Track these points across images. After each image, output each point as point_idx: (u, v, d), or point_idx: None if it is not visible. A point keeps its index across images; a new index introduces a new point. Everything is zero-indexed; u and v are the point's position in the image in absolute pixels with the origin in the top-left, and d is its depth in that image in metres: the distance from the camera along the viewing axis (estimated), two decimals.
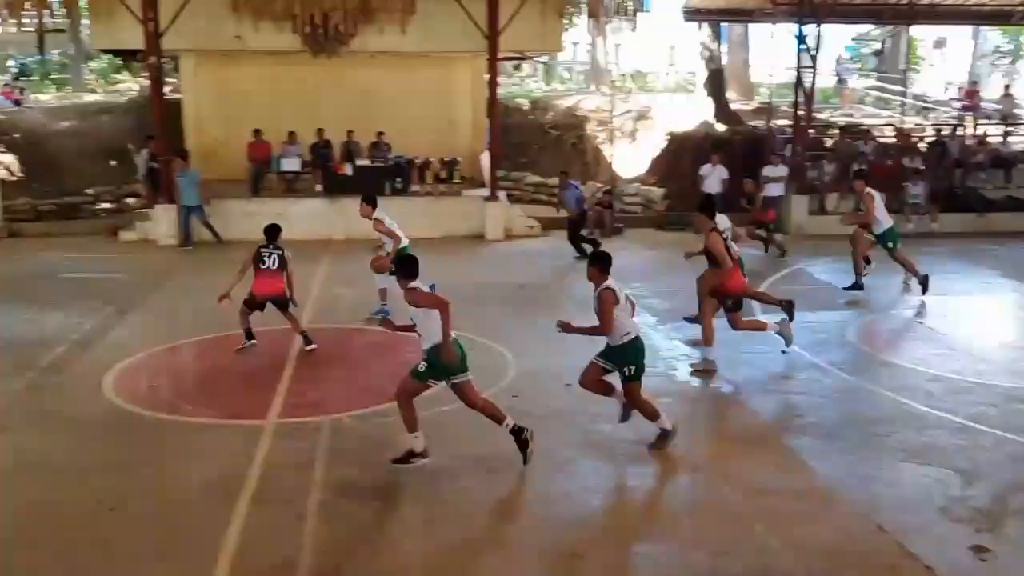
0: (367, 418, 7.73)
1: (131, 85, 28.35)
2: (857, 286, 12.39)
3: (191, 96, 20.37)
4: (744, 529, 5.82)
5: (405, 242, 10.57)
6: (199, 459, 6.88)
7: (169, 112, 17.81)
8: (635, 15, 19.89)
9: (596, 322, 6.98)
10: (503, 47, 17.69)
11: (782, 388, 8.94)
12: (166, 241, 16.39)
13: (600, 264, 7.03)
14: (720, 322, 9.34)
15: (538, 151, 22.66)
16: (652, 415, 7.10)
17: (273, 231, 9.80)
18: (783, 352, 9.74)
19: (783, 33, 20.36)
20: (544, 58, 31.90)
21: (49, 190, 19.49)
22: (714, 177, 16.92)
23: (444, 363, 6.53)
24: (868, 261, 12.62)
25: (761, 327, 9.72)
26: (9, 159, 18.33)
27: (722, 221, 9.47)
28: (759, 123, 22.46)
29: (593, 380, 7.21)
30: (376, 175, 17.73)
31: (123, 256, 15.34)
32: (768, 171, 17.10)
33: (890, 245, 12.42)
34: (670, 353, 9.80)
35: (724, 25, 25.38)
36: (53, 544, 5.62)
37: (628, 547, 5.78)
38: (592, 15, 20.37)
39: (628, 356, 6.96)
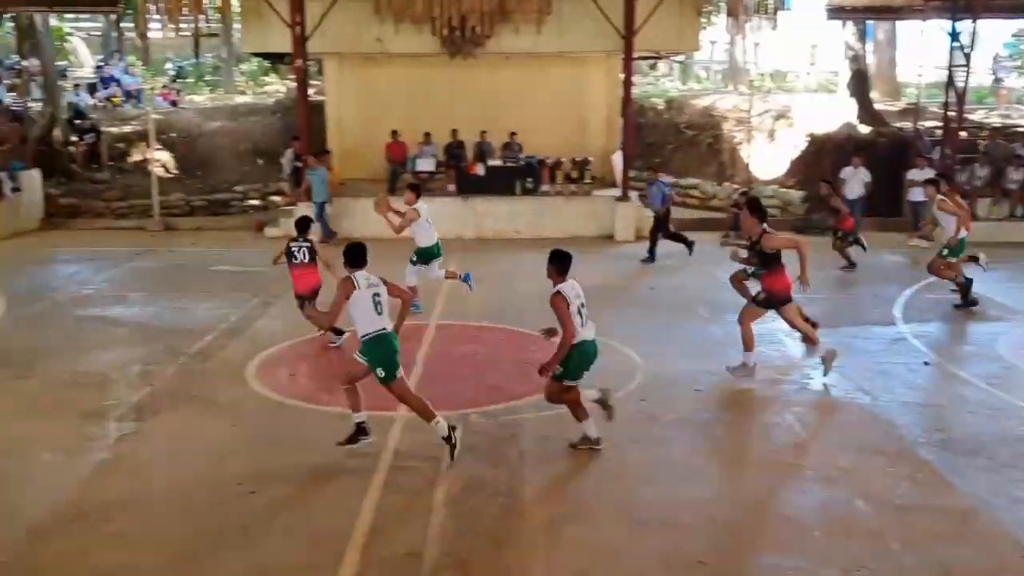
0: (494, 415, 7.82)
1: (278, 87, 29.61)
2: (971, 302, 11.57)
3: (334, 98, 21.09)
4: (879, 546, 5.60)
5: (426, 243, 11.08)
6: (333, 447, 7.11)
7: (313, 113, 18.48)
8: (775, 13, 19.35)
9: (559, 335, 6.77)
10: (639, 47, 17.56)
11: (923, 400, 8.54)
12: (311, 237, 16.99)
13: (558, 263, 6.83)
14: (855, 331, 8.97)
15: (672, 151, 22.39)
16: (584, 416, 6.93)
17: (304, 224, 9.99)
18: (925, 364, 9.31)
19: (934, 30, 19.46)
20: (680, 57, 31.47)
21: (201, 187, 20.62)
22: (855, 180, 16.30)
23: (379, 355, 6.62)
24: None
25: (812, 337, 8.88)
26: (166, 157, 19.45)
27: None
28: (905, 125, 21.51)
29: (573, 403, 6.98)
30: (507, 175, 17.92)
31: (268, 251, 16.00)
32: (913, 174, 16.34)
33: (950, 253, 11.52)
34: (805, 362, 9.49)
35: (870, 23, 24.43)
36: (198, 522, 5.94)
37: (755, 558, 5.65)
38: (731, 13, 19.93)
39: (578, 358, 6.79)
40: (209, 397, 8.32)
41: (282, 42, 17.26)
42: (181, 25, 32.61)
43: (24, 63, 25.07)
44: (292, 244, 9.92)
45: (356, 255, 6.88)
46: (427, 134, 18.99)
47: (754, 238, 8.54)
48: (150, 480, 6.61)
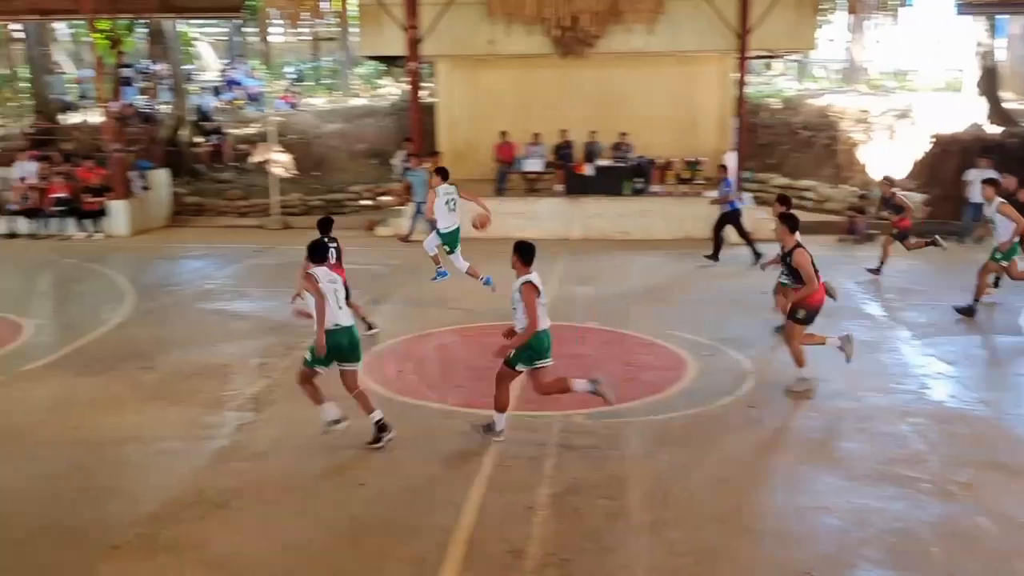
0: (599, 417, 7.79)
1: (392, 89, 30.20)
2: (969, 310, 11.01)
3: (445, 99, 21.40)
4: (1001, 565, 5.34)
5: (451, 225, 11.51)
6: (439, 442, 7.22)
7: (424, 114, 18.80)
8: (897, 10, 18.66)
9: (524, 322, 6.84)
10: (753, 45, 17.21)
11: None
12: (417, 236, 17.32)
13: (523, 255, 6.90)
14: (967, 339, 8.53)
15: (787, 152, 21.82)
16: (503, 406, 7.07)
17: (326, 224, 10.12)
18: None
19: None
20: (797, 56, 30.66)
21: (317, 187, 21.22)
22: (980, 182, 15.54)
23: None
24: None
25: (819, 341, 8.50)
26: (285, 158, 20.08)
27: None
28: None
29: (542, 384, 7.13)
30: (616, 175, 17.83)
31: (379, 249, 16.39)
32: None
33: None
34: (923, 370, 9.13)
35: (1002, 17, 23.25)
36: (309, 511, 6.13)
37: (866, 572, 5.46)
38: (851, 11, 19.32)
39: (535, 344, 6.90)
40: (321, 391, 8.54)
41: (397, 45, 17.63)
42: (301, 30, 33.71)
43: (154, 67, 26.30)
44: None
45: (317, 251, 7.34)
46: (536, 134, 19.07)
47: (786, 249, 8.25)
48: (264, 469, 6.85)
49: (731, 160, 17.82)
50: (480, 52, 19.02)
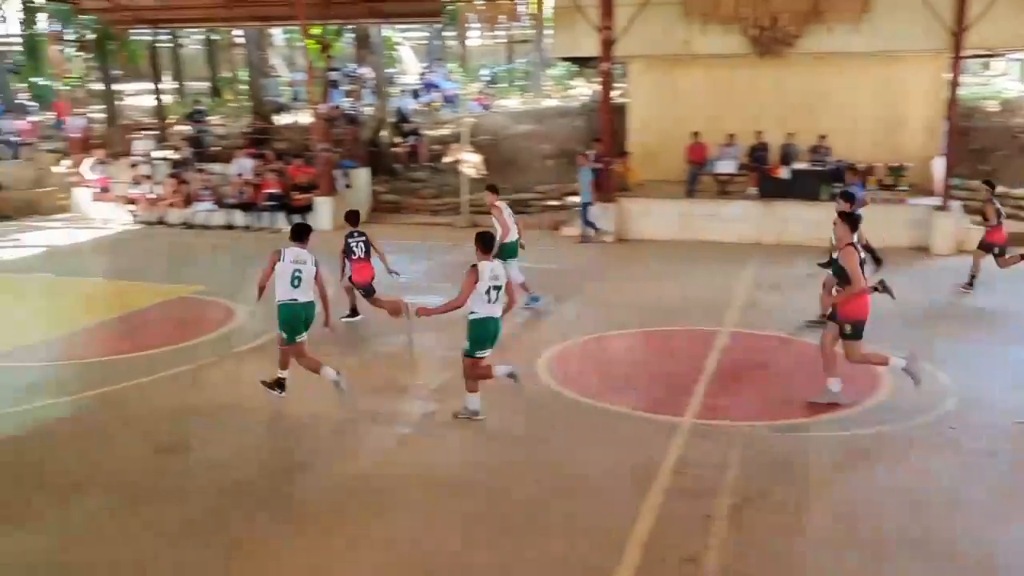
0: (784, 430, 7.54)
1: (583, 90, 30.35)
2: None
3: (637, 100, 21.28)
4: None
5: (513, 237, 11.54)
6: (617, 445, 7.21)
7: (615, 115, 18.78)
8: None
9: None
10: (970, 44, 16.04)
11: None
12: (606, 238, 17.33)
13: (483, 244, 7.70)
14: None
15: (1003, 158, 20.24)
16: (474, 388, 7.67)
17: (353, 217, 10.34)
18: None
19: None
20: (1020, 55, 28.35)
21: (506, 186, 21.62)
22: None
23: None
24: None
25: (882, 361, 7.97)
26: (476, 158, 20.61)
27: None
28: None
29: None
30: (814, 179, 17.13)
31: (563, 249, 16.53)
32: None
33: None
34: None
35: None
36: (486, 503, 6.27)
37: None
38: None
39: (469, 332, 7.55)
40: (503, 385, 8.73)
41: (590, 46, 17.69)
42: (497, 33, 34.51)
43: (360, 71, 27.68)
44: (350, 239, 10.65)
45: (298, 232, 8.40)
46: (730, 135, 18.63)
47: (840, 247, 7.88)
48: (443, 457, 7.09)
49: (939, 166, 16.74)
50: (674, 52, 18.78)
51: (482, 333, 7.56)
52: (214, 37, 36.17)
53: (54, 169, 23.72)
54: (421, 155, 23.63)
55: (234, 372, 9.25)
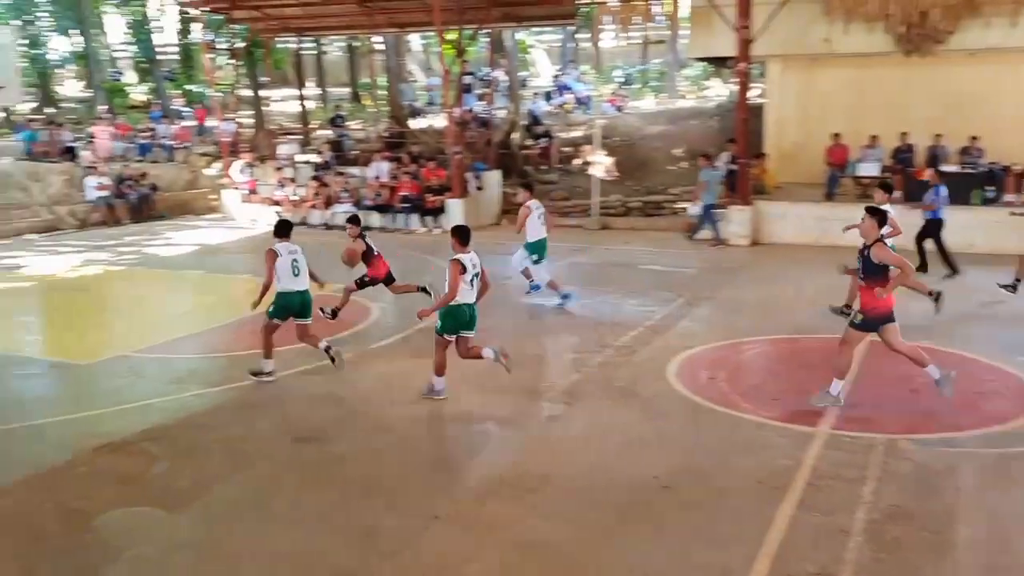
0: (928, 444, 7.18)
1: (718, 91, 29.82)
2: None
3: (775, 100, 20.74)
4: None
5: (539, 236, 12.19)
6: (748, 454, 7.03)
7: (751, 116, 18.36)
8: None
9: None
10: None
11: None
12: (737, 240, 16.97)
13: (460, 236, 8.34)
14: None
15: None
16: (439, 370, 8.29)
17: (355, 219, 11.15)
18: None
19: None
20: None
21: (638, 188, 21.48)
22: None
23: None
24: None
25: (921, 362, 7.82)
26: (608, 160, 20.56)
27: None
28: None
29: (463, 350, 8.33)
30: (964, 182, 16.26)
31: (696, 253, 16.27)
32: None
33: None
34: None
35: None
36: (613, 507, 6.22)
37: None
38: None
39: (442, 315, 8.18)
40: (631, 390, 8.66)
41: (727, 46, 17.37)
42: (631, 34, 34.26)
43: (493, 74, 28.03)
44: (368, 240, 11.20)
45: (281, 228, 9.30)
46: (873, 137, 17.92)
47: (868, 243, 7.72)
48: (572, 460, 7.06)
49: None
50: (815, 51, 18.23)
51: (457, 317, 8.19)
52: (355, 44, 37.38)
53: (205, 172, 25.05)
54: (552, 157, 23.73)
55: (368, 368, 9.52)
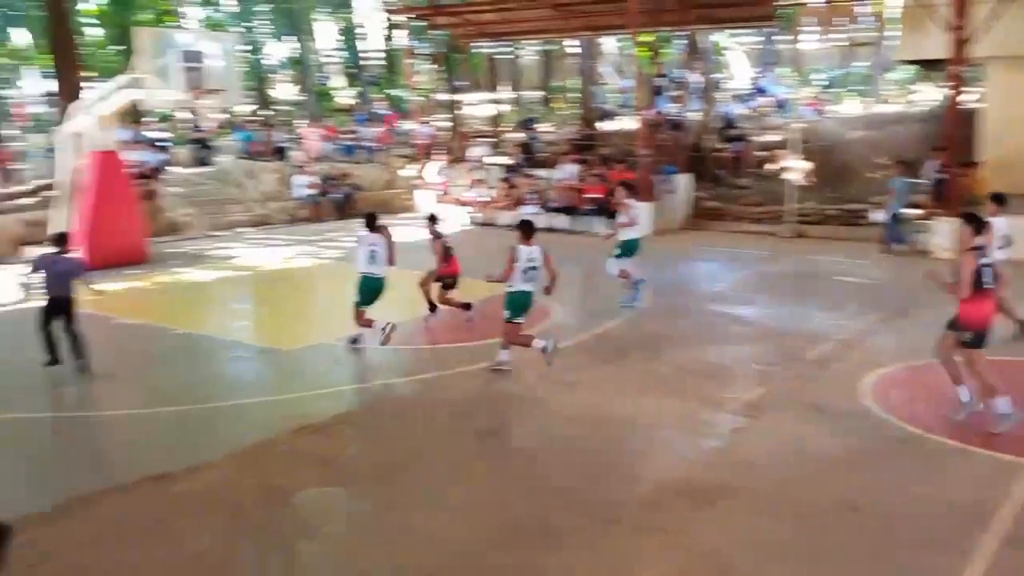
0: None
1: (928, 95, 28.09)
2: None
3: (994, 105, 19.29)
4: None
5: (635, 235, 12.55)
6: (945, 482, 6.60)
7: (965, 122, 17.18)
8: None
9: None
10: None
11: None
12: (941, 253, 15.91)
13: (524, 230, 9.43)
14: None
15: None
16: (525, 343, 9.31)
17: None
18: None
19: None
20: None
21: (836, 196, 20.53)
22: None
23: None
24: None
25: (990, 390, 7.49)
26: (804, 166, 19.78)
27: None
28: None
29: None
30: None
31: (894, 265, 15.40)
32: None
33: None
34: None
35: None
36: (793, 527, 6.00)
37: None
38: None
39: (507, 302, 9.30)
40: (820, 406, 8.31)
41: (939, 48, 16.33)
42: (834, 35, 32.89)
43: (687, 77, 27.64)
44: (447, 243, 11.52)
45: (370, 220, 10.46)
46: None
47: (962, 249, 7.52)
48: (753, 475, 6.86)
49: None
50: None
51: (516, 303, 9.27)
52: (549, 48, 37.89)
53: (402, 173, 26.13)
54: (746, 161, 23.10)
55: (545, 368, 9.61)
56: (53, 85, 24.84)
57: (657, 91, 24.75)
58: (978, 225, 7.58)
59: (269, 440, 7.74)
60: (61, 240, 10.13)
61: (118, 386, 9.71)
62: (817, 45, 37.67)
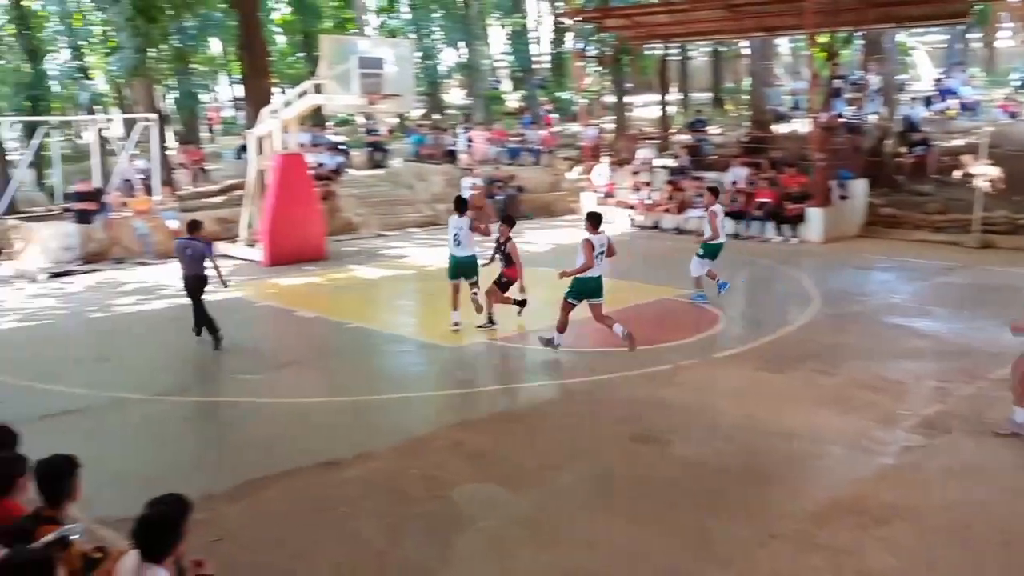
0: None
1: None
2: None
3: None
4: None
5: (722, 240, 12.85)
6: None
7: None
8: None
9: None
10: None
11: None
12: None
13: (592, 221, 10.15)
14: None
15: None
16: (561, 327, 10.24)
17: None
18: None
19: None
20: None
21: None
22: None
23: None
24: None
25: None
26: (995, 172, 18.52)
27: None
28: None
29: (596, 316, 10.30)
30: None
31: None
32: None
33: None
34: None
35: None
36: (976, 555, 5.65)
37: None
38: None
39: (574, 284, 10.07)
40: (1000, 425, 7.75)
41: None
42: None
43: (866, 77, 26.41)
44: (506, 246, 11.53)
45: (459, 203, 11.88)
46: None
47: None
48: (929, 496, 6.49)
49: None
50: None
51: (583, 286, 10.00)
52: (720, 49, 37.15)
53: (568, 175, 26.27)
54: (929, 167, 21.82)
55: (711, 377, 9.44)
56: (243, 91, 26.50)
57: (834, 93, 23.74)
58: None
59: (431, 433, 7.97)
60: (194, 227, 11.45)
61: (294, 374, 10.26)
62: (1011, 43, 35.20)
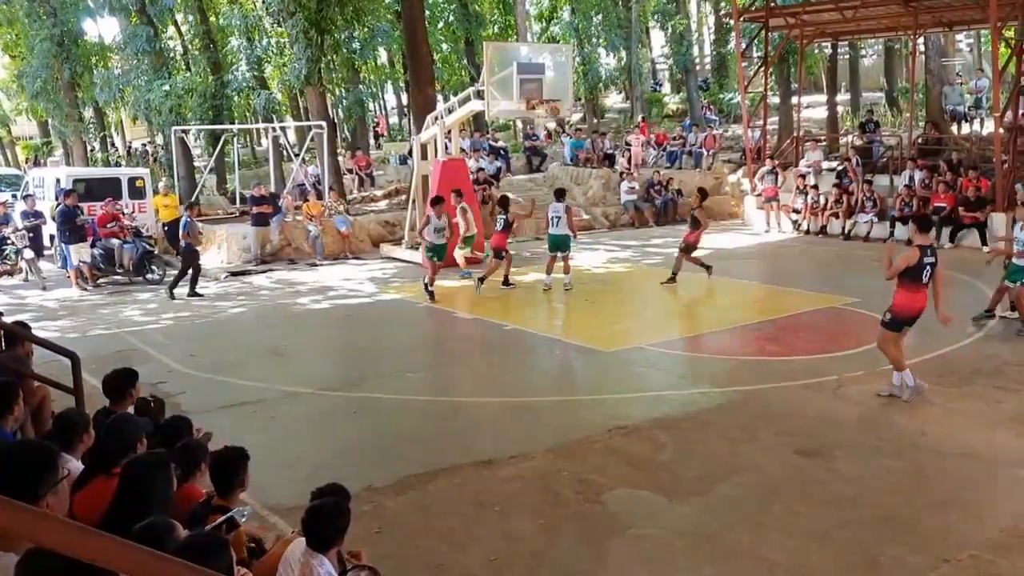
0: None
1: None
2: None
3: None
4: None
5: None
6: None
7: None
8: None
9: None
10: None
11: None
12: None
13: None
14: None
15: None
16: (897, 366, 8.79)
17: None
18: None
19: None
20: None
21: None
22: None
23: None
24: None
25: (897, 365, 8.42)
26: None
27: None
28: None
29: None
30: None
31: None
32: None
33: None
34: None
35: None
36: None
37: None
38: None
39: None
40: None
41: None
42: None
43: None
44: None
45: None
46: None
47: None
48: None
49: None
50: None
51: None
52: (894, 46, 35.39)
53: (730, 178, 25.69)
54: None
55: (875, 389, 8.99)
56: (407, 98, 27.30)
57: (1021, 92, 22.12)
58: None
59: (585, 437, 7.96)
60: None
61: (455, 374, 10.52)
62: None
